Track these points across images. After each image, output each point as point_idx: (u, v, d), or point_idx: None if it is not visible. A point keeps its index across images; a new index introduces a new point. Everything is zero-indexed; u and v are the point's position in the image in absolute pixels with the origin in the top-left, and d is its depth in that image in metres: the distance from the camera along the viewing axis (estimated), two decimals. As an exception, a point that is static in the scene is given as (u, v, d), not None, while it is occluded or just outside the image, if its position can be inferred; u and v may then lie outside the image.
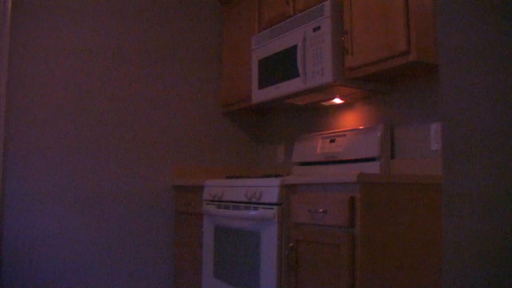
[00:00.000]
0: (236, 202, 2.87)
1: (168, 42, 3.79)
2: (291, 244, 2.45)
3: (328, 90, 2.89)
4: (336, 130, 3.17)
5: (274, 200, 2.53)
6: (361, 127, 3.00)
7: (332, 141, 3.14)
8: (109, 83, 3.51)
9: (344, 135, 3.07)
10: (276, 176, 2.76)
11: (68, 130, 3.33)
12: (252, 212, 2.64)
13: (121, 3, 3.59)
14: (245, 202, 2.78)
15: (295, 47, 2.95)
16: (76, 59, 3.39)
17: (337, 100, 3.16)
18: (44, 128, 3.25)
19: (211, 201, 3.10)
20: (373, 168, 2.83)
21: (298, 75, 2.92)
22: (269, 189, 2.58)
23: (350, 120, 3.22)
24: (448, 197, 0.89)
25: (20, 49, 3.21)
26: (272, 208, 2.53)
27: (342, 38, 2.72)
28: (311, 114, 3.58)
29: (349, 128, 3.08)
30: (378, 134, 2.83)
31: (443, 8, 0.92)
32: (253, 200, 2.68)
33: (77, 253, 3.29)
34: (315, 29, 2.82)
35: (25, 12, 3.23)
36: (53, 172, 3.26)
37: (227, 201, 2.95)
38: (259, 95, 3.30)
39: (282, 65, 3.08)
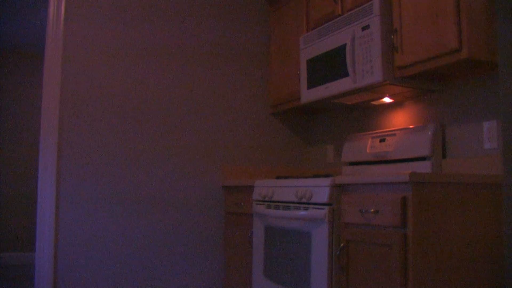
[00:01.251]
0: (286, 202, 2.89)
1: (217, 43, 3.84)
2: (342, 244, 2.45)
3: (377, 89, 2.87)
4: (386, 130, 3.15)
5: (325, 200, 2.53)
6: (411, 126, 2.96)
7: (382, 140, 3.12)
8: (159, 85, 3.58)
9: (394, 135, 3.04)
10: (326, 176, 2.76)
11: (120, 133, 3.42)
12: (303, 212, 2.65)
13: (171, 6, 3.66)
14: (295, 202, 2.80)
15: (344, 46, 2.95)
16: (127, 61, 3.48)
17: (387, 99, 3.13)
18: (97, 130, 3.35)
19: (261, 201, 3.13)
20: (424, 167, 2.79)
21: (347, 75, 2.91)
22: (320, 189, 2.59)
23: (400, 119, 3.18)
24: (508, 196, 0.88)
25: (73, 51, 3.32)
26: (323, 208, 2.54)
27: (392, 37, 2.70)
28: (361, 114, 3.56)
29: (399, 127, 3.05)
30: (429, 133, 2.79)
31: (502, 7, 0.91)
32: (304, 200, 2.69)
33: (130, 253, 3.38)
34: (364, 28, 2.80)
35: (78, 13, 3.33)
36: (106, 174, 3.35)
37: (277, 201, 2.97)
38: (308, 95, 3.30)
39: (331, 65, 3.07)
